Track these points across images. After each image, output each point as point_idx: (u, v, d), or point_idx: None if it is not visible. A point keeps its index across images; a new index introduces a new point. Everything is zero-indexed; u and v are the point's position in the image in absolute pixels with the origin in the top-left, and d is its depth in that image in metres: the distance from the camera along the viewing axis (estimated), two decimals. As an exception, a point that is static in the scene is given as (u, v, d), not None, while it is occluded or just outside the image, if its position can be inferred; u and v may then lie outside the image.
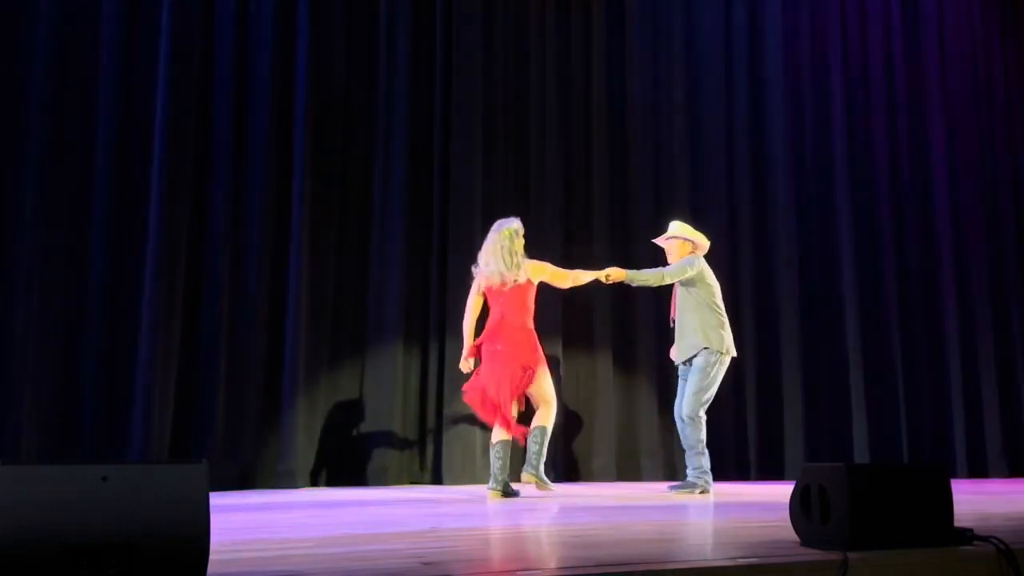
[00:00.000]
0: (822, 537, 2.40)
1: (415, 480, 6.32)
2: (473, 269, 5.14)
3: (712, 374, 5.26)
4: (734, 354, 5.38)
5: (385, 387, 6.26)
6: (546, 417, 5.02)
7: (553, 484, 5.23)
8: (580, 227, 7.01)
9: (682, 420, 5.28)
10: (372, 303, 6.31)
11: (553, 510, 4.23)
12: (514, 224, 5.09)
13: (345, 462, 6.12)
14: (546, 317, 6.67)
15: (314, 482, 5.95)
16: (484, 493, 4.97)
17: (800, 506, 2.50)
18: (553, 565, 2.22)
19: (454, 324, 6.49)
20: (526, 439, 4.95)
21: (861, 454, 7.19)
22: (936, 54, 8.12)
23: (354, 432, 6.19)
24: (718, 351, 5.27)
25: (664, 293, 5.88)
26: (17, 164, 5.27)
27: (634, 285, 5.43)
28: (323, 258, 6.17)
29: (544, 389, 5.02)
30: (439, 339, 6.44)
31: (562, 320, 6.71)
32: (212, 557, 1.87)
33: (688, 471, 5.27)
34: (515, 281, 4.97)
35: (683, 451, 5.36)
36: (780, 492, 4.55)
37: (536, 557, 2.43)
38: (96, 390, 5.33)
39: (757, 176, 7.51)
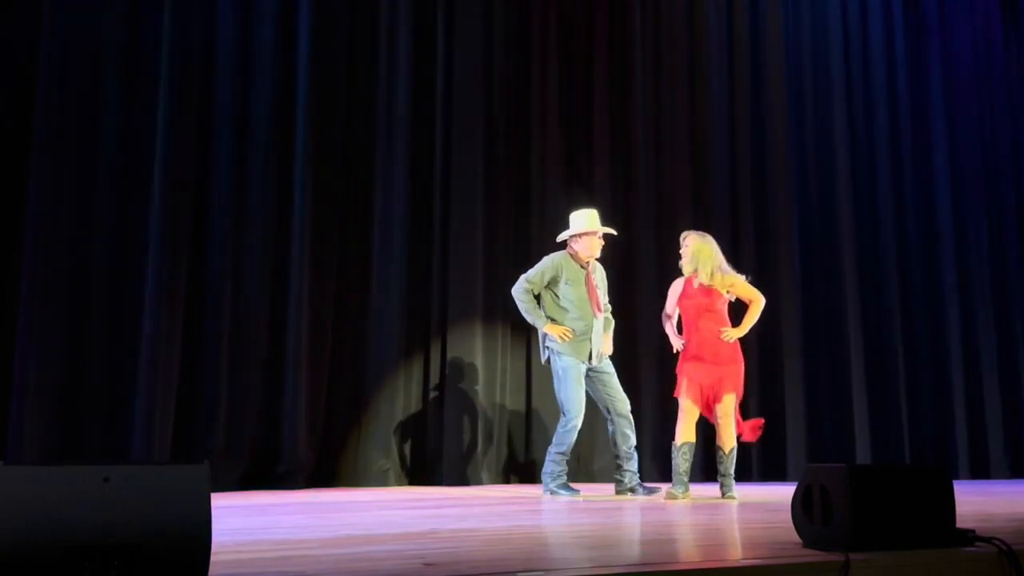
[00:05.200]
0: (824, 538, 2.40)
1: (416, 481, 6.31)
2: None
3: None
4: None
5: (387, 388, 6.27)
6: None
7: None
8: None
9: (629, 419, 5.23)
10: (374, 304, 6.31)
11: (554, 511, 4.22)
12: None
13: (347, 463, 6.12)
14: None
15: (316, 483, 5.94)
16: (484, 494, 4.96)
17: (802, 507, 2.50)
18: (554, 566, 2.22)
19: (456, 324, 6.50)
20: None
21: (863, 455, 7.18)
22: (938, 51, 8.11)
23: (355, 433, 6.19)
24: None
25: (664, 290, 5.81)
26: (19, 162, 5.27)
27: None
28: (325, 259, 6.17)
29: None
30: (441, 340, 6.44)
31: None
32: (213, 558, 1.87)
33: (635, 474, 5.19)
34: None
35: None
36: (782, 493, 4.54)
37: (537, 558, 2.43)
38: (98, 390, 5.33)
39: (758, 176, 7.50)
